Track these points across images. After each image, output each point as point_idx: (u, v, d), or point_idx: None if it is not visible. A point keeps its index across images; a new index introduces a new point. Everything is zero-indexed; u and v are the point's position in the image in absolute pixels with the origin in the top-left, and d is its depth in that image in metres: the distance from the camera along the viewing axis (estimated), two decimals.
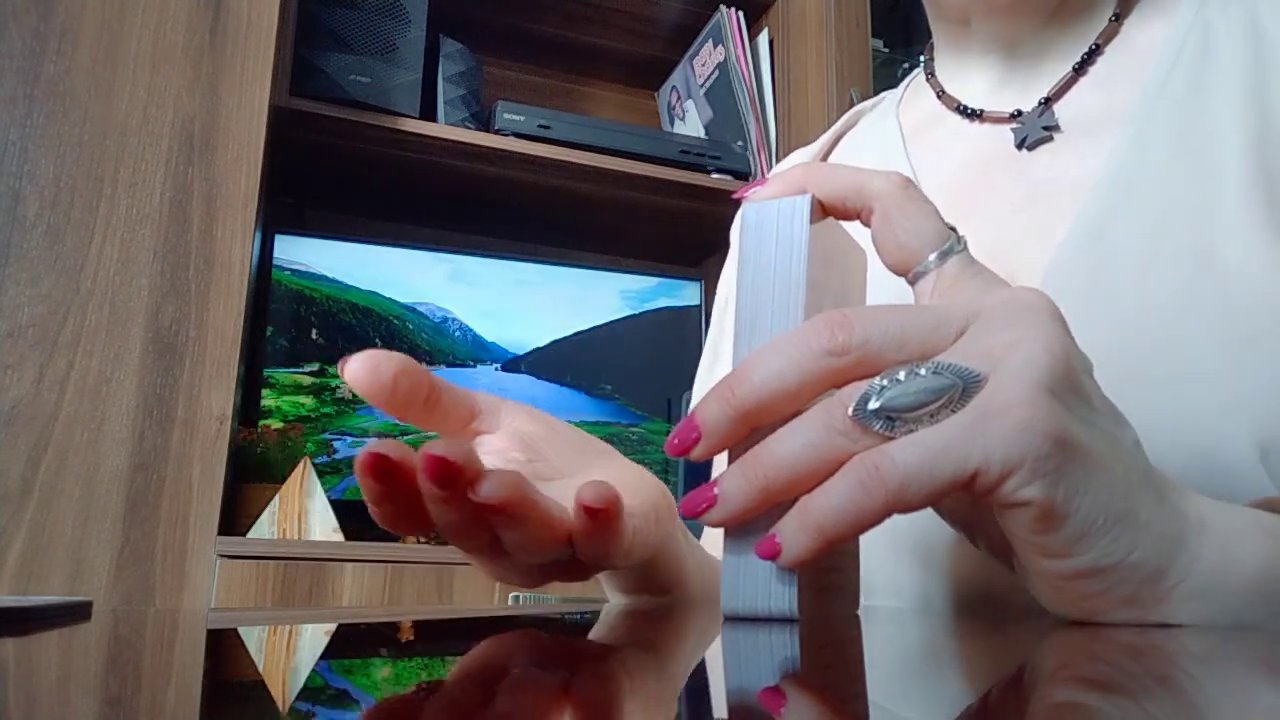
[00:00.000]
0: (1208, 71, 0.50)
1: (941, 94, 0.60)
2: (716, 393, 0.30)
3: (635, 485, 0.37)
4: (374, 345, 1.76)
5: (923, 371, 0.28)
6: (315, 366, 1.62)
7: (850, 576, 0.36)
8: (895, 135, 0.62)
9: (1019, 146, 0.55)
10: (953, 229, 0.34)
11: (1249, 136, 0.47)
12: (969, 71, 0.59)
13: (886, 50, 1.86)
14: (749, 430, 0.30)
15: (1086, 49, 0.54)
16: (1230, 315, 0.43)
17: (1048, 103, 0.55)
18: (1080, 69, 0.54)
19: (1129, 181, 0.49)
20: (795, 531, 0.28)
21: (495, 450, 0.38)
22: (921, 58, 0.64)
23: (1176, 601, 0.30)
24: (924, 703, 0.18)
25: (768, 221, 0.33)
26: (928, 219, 0.33)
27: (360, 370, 0.34)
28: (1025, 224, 0.52)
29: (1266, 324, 0.42)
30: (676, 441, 0.31)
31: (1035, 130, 0.54)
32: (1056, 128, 0.54)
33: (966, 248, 0.33)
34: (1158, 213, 0.47)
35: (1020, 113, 0.55)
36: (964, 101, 0.59)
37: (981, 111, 0.57)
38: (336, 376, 1.62)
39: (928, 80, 0.62)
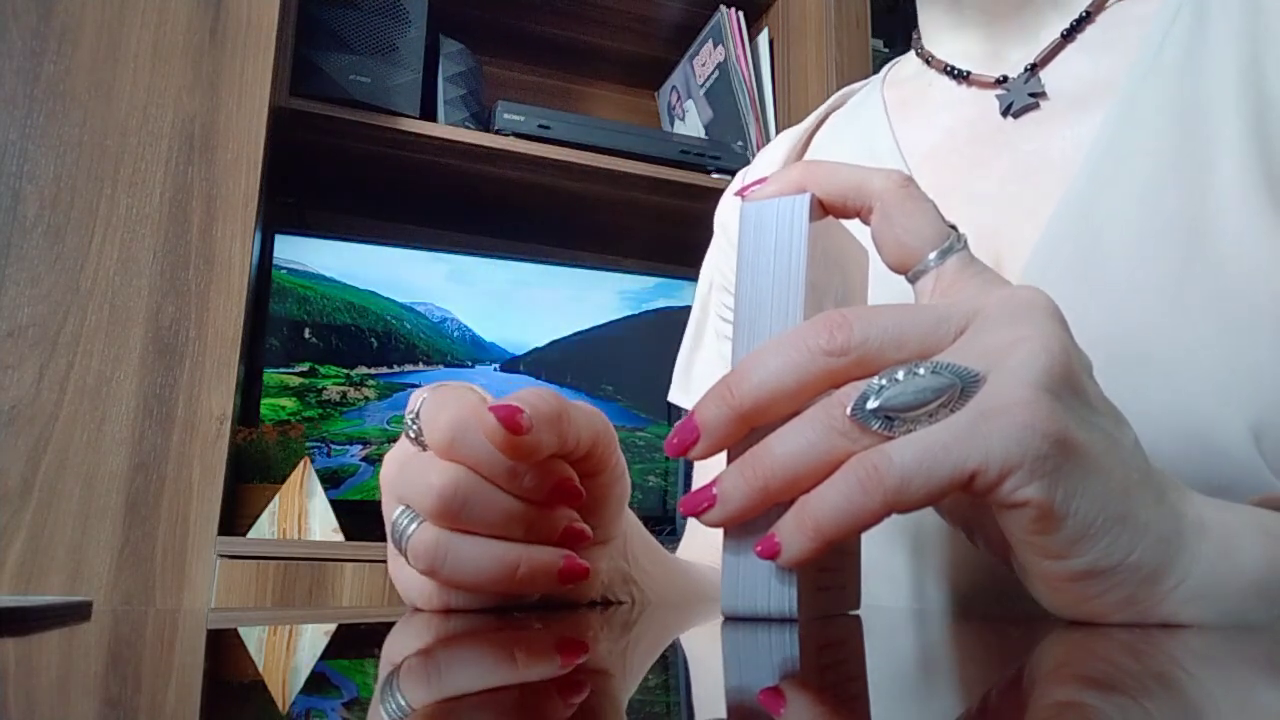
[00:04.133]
0: (1203, 42, 0.48)
1: (930, 60, 0.59)
2: (716, 392, 0.30)
3: None
4: (370, 346, 1.78)
5: (921, 371, 0.28)
6: (306, 367, 1.60)
7: (850, 576, 0.36)
8: (879, 110, 0.60)
9: (1004, 114, 0.53)
10: (953, 227, 0.34)
11: (1245, 110, 0.45)
12: (958, 40, 0.58)
13: (886, 50, 1.86)
14: (748, 430, 0.30)
15: (1076, 16, 0.53)
16: (1224, 295, 0.42)
17: (1034, 69, 0.53)
18: (1069, 35, 0.53)
19: (1119, 156, 0.47)
20: (794, 531, 0.28)
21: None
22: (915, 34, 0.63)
23: (1176, 603, 0.30)
24: (924, 703, 0.18)
25: (767, 221, 0.33)
26: (928, 217, 0.33)
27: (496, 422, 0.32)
28: (1012, 199, 0.51)
29: (1261, 304, 0.41)
30: (676, 441, 0.31)
31: (1021, 97, 0.53)
32: (1043, 95, 0.52)
33: (967, 246, 0.33)
34: (1149, 189, 0.45)
35: (1006, 78, 0.54)
36: (951, 63, 0.57)
37: (968, 73, 0.56)
38: (326, 378, 1.61)
39: (916, 51, 0.61)
